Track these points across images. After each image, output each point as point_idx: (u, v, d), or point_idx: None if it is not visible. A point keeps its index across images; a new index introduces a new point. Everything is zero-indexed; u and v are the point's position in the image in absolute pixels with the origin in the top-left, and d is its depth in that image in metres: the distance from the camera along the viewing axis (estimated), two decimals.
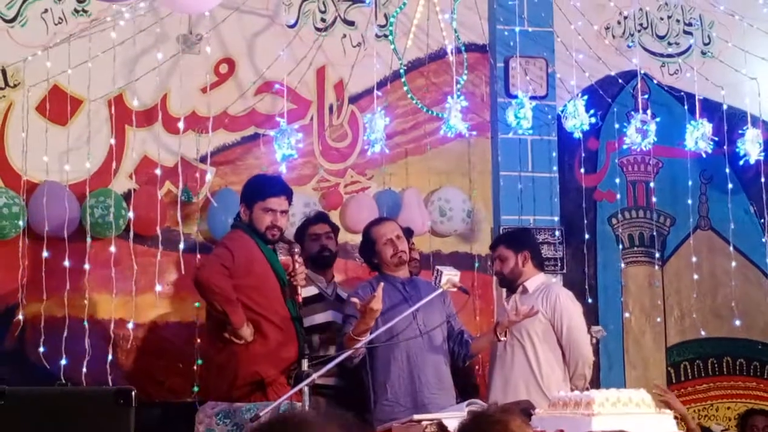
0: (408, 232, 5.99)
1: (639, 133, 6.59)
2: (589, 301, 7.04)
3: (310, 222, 6.06)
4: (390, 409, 5.36)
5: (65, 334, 5.80)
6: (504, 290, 6.13)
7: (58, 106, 6.04)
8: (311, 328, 5.73)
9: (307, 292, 5.61)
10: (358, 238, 6.64)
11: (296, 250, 5.40)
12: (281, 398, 4.65)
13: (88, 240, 5.89)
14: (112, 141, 6.14)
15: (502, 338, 5.49)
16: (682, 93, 7.31)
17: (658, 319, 7.37)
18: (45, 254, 5.81)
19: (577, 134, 6.63)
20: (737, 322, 7.28)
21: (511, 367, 5.72)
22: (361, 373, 5.51)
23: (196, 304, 6.06)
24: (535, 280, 5.80)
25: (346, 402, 5.80)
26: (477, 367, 6.53)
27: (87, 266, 5.91)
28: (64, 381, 5.55)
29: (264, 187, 5.45)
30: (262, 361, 5.18)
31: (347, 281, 6.44)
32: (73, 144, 6.06)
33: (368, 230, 5.75)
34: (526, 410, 4.85)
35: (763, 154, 6.81)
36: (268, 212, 5.37)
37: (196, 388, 5.97)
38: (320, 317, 5.82)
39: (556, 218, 7.04)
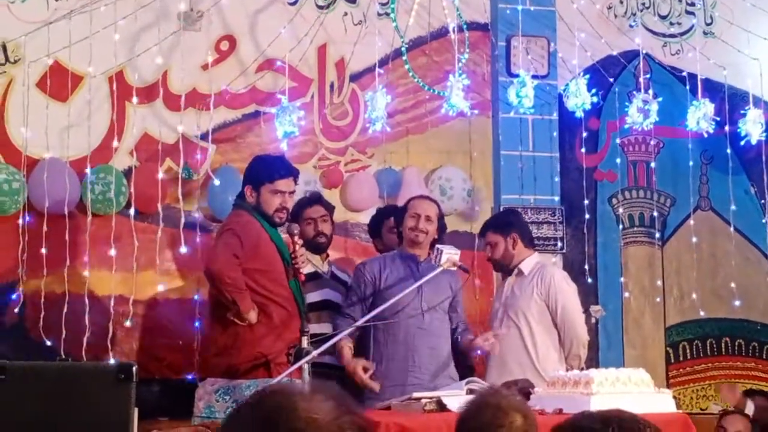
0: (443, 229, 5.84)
1: (640, 113, 6.57)
2: (589, 280, 7.05)
3: (304, 205, 5.95)
4: (383, 385, 5.39)
5: (65, 310, 5.80)
6: (500, 273, 6.14)
7: (59, 82, 6.03)
8: (306, 307, 5.73)
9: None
10: (358, 216, 6.66)
11: (296, 231, 5.39)
12: (281, 375, 4.65)
13: (89, 216, 5.88)
14: (113, 117, 6.14)
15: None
16: (684, 73, 7.29)
17: (658, 299, 7.38)
18: (45, 230, 5.81)
19: (579, 114, 6.60)
20: (737, 303, 7.29)
21: (507, 349, 5.73)
22: (364, 345, 5.56)
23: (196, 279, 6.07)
24: (529, 262, 5.81)
25: (346, 380, 5.82)
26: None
27: (87, 243, 5.91)
28: (64, 357, 5.56)
29: (272, 169, 5.40)
30: (266, 342, 5.19)
31: (346, 260, 6.44)
32: (74, 120, 6.05)
33: (408, 201, 5.78)
34: (524, 389, 4.88)
35: (764, 134, 6.78)
36: (277, 194, 5.34)
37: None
38: (315, 296, 5.81)
39: (557, 198, 7.04)
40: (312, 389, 1.82)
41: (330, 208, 6.06)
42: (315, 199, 6.05)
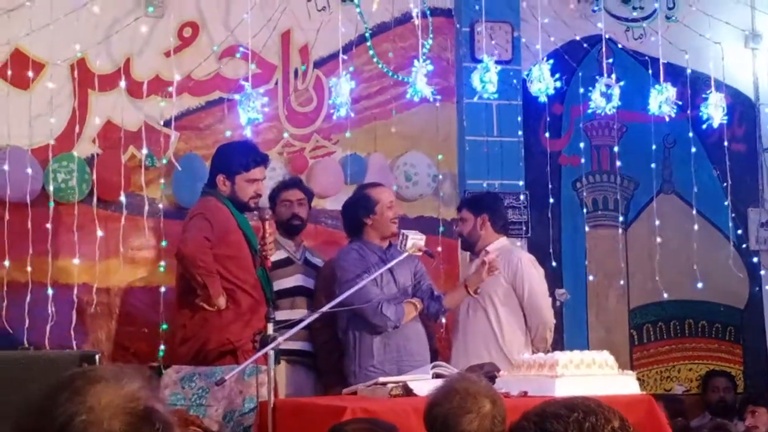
0: None
1: (603, 98, 6.59)
2: (554, 264, 7.09)
3: (282, 187, 5.98)
4: (375, 376, 5.32)
5: (28, 299, 5.76)
6: (468, 254, 6.18)
7: (20, 70, 5.97)
8: (279, 293, 5.73)
9: (275, 256, 5.62)
10: (324, 203, 6.65)
11: (267, 216, 5.38)
12: (247, 361, 4.64)
13: (51, 205, 5.84)
14: (75, 105, 6.09)
15: (475, 294, 5.54)
16: (647, 57, 7.34)
17: (622, 282, 7.43)
18: (7, 219, 5.76)
19: (542, 99, 6.62)
20: (699, 285, 7.34)
21: (473, 331, 5.77)
22: (345, 336, 5.53)
23: (161, 267, 6.04)
24: (496, 245, 5.85)
25: (318, 367, 5.82)
26: (442, 330, 6.56)
27: (50, 231, 5.86)
28: (27, 346, 5.54)
29: (247, 158, 5.41)
30: (234, 329, 5.19)
31: (317, 246, 6.44)
32: (36, 108, 5.99)
33: (367, 191, 5.72)
34: (490, 373, 4.89)
35: (726, 118, 6.84)
36: (253, 183, 5.36)
37: (161, 352, 5.94)
38: (289, 281, 5.81)
39: (522, 182, 7.06)
40: (117, 373, 1.70)
41: (309, 193, 6.07)
42: (294, 182, 6.07)
